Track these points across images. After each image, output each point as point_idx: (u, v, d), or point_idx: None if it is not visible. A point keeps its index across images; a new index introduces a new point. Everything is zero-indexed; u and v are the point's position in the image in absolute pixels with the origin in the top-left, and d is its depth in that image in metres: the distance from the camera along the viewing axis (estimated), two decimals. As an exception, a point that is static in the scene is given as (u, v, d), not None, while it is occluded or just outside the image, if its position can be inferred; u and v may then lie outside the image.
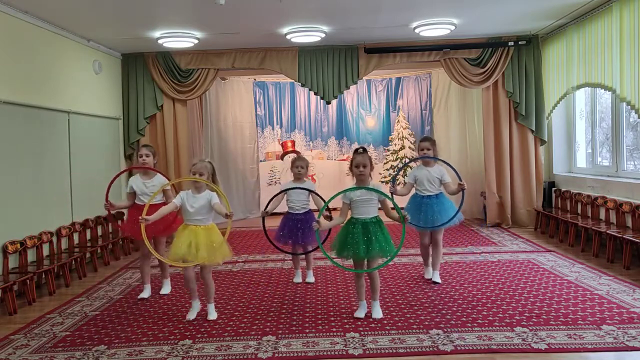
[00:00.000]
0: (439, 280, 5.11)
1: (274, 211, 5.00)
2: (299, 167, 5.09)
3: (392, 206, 4.06)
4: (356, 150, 4.17)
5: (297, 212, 5.11)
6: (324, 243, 4.45)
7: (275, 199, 5.02)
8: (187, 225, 4.20)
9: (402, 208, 4.22)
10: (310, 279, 5.32)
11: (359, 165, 4.07)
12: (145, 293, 5.02)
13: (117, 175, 5.23)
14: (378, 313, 4.16)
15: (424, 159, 5.09)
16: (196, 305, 4.33)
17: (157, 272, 5.42)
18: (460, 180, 4.92)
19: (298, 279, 5.34)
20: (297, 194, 5.07)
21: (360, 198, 4.08)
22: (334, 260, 4.14)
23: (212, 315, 4.27)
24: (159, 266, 5.23)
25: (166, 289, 5.13)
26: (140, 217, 4.06)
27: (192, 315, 4.28)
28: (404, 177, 9.79)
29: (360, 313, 4.19)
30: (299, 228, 5.04)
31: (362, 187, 4.06)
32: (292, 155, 10.51)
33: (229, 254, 4.28)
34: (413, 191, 5.20)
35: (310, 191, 5.01)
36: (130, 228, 5.00)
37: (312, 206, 5.14)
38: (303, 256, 5.30)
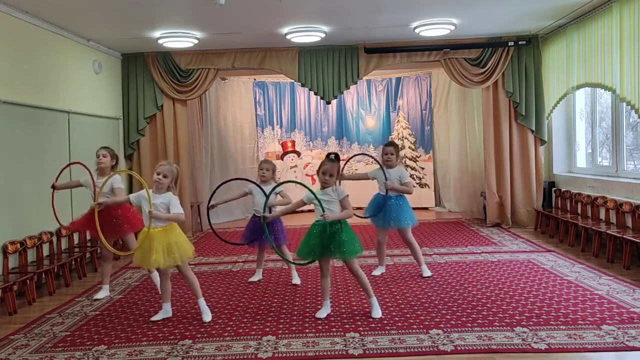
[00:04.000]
0: (429, 274, 5.36)
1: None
2: (264, 169, 5.08)
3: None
4: (328, 155, 4.19)
5: (262, 214, 5.04)
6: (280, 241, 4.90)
7: (231, 197, 5.21)
8: (146, 228, 4.14)
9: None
10: (296, 280, 5.31)
11: (326, 173, 4.10)
12: (102, 294, 5.07)
13: (66, 167, 5.26)
14: (377, 312, 4.17)
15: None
16: (167, 309, 4.35)
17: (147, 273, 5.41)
18: (395, 185, 5.20)
19: (257, 278, 5.41)
20: (261, 196, 4.89)
21: (321, 200, 4.06)
22: (286, 258, 4.49)
23: (206, 315, 4.24)
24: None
25: None
26: (92, 204, 4.30)
27: (158, 317, 4.30)
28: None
29: (322, 313, 4.21)
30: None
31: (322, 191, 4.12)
32: (293, 155, 10.54)
33: (190, 254, 4.23)
34: (376, 190, 5.42)
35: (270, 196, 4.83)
36: (80, 224, 5.07)
37: (278, 208, 5.10)
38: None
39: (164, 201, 4.14)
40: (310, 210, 4.35)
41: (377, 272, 5.52)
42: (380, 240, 5.49)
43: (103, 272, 5.18)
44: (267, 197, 4.41)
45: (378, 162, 5.31)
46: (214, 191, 4.88)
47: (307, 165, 10.60)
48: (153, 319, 4.29)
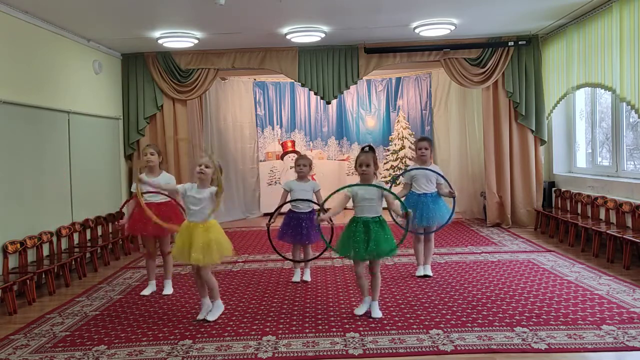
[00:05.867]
0: (431, 274, 5.33)
1: (265, 212, 5.11)
2: (301, 165, 5.11)
3: (393, 199, 4.09)
4: (362, 149, 4.20)
5: (300, 211, 5.13)
6: (330, 242, 4.53)
7: (280, 201, 5.14)
8: (188, 222, 4.16)
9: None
10: (307, 277, 5.33)
11: (362, 164, 4.10)
12: (148, 290, 5.13)
13: (127, 201, 5.29)
14: (377, 313, 4.16)
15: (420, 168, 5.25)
16: (206, 303, 4.30)
17: (160, 271, 5.41)
18: (451, 188, 5.12)
19: (297, 278, 5.34)
20: (301, 193, 5.07)
21: (364, 197, 4.09)
22: (335, 249, 4.22)
23: (215, 314, 4.23)
24: (163, 267, 5.22)
25: (168, 290, 5.12)
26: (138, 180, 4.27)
27: (201, 316, 4.26)
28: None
29: (361, 310, 4.19)
30: (303, 227, 5.06)
31: (366, 184, 4.08)
32: (293, 155, 10.55)
33: (228, 252, 4.19)
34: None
35: (314, 202, 5.06)
36: (134, 227, 5.03)
37: (316, 206, 5.19)
38: (302, 255, 5.33)
39: (208, 195, 4.11)
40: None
41: (419, 273, 5.37)
42: (419, 241, 5.38)
43: (148, 269, 5.21)
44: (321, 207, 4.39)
45: (435, 171, 5.17)
46: (276, 210, 5.02)
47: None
48: (198, 318, 4.23)
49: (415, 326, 3.93)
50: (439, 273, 5.44)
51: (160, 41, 7.23)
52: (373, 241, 4.01)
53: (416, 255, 5.45)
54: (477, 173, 9.09)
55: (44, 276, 5.39)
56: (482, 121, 8.24)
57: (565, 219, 6.79)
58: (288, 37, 7.22)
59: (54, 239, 5.92)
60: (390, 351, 3.52)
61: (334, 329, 3.93)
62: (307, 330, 3.93)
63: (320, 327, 4.00)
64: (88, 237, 6.68)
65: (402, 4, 6.04)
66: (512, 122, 8.07)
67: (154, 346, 3.74)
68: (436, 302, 4.50)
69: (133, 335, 3.99)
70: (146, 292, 5.10)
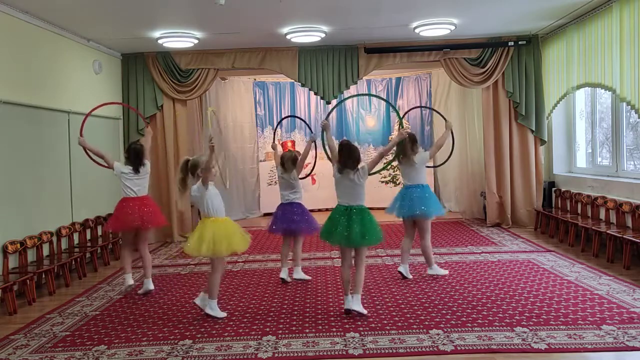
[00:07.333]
0: (438, 273, 5.39)
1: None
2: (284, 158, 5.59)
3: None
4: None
5: (287, 201, 5.35)
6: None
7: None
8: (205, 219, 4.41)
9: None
10: (299, 275, 5.36)
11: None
12: (129, 281, 5.17)
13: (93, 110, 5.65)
14: (358, 307, 4.16)
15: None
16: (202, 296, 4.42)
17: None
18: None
19: (284, 274, 5.36)
20: (285, 187, 5.39)
21: (343, 183, 4.20)
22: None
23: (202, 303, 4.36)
24: (142, 267, 5.22)
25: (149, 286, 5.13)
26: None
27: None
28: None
29: (352, 305, 4.19)
30: (293, 213, 5.23)
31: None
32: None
33: (223, 252, 4.42)
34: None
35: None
36: (115, 223, 5.14)
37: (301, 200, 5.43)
38: (291, 254, 5.42)
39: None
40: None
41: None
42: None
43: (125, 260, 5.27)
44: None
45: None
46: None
47: (306, 166, 10.57)
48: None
49: (415, 326, 3.93)
50: (439, 273, 5.44)
51: (160, 41, 7.23)
52: (354, 229, 4.06)
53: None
54: (477, 173, 9.09)
55: (44, 276, 5.40)
56: (482, 121, 8.23)
57: (565, 219, 6.79)
58: (288, 37, 7.22)
59: (54, 239, 5.92)
60: (390, 351, 3.52)
61: (334, 329, 3.93)
62: (307, 330, 3.94)
63: (320, 327, 4.00)
64: (88, 237, 6.68)
65: (402, 4, 6.04)
66: (512, 122, 8.07)
67: (154, 346, 3.75)
68: (436, 302, 4.50)
69: (133, 335, 3.99)
70: (129, 282, 5.16)
